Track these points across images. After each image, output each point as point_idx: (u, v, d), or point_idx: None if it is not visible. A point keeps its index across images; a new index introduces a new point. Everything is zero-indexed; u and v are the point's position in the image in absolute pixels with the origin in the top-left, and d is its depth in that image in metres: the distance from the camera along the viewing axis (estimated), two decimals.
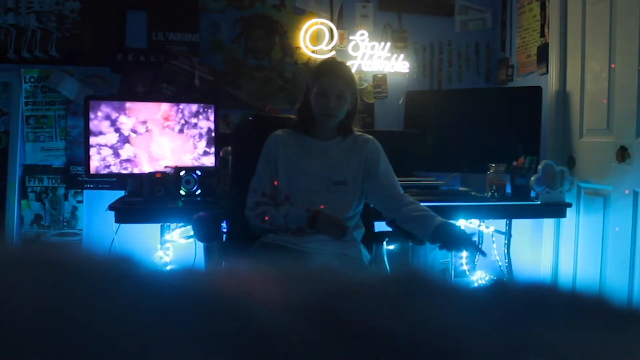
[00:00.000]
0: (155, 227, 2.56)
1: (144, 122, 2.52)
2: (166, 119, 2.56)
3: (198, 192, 2.30)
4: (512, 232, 2.65)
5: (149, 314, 0.19)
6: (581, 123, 2.58)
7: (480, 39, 3.20)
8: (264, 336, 0.18)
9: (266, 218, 1.78)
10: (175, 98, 2.78)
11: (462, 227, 1.70)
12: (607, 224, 2.39)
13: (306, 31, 2.98)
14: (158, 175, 2.28)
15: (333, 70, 1.82)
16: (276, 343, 0.18)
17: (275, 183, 1.85)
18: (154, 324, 0.18)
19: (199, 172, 2.32)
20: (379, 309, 0.20)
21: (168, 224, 2.47)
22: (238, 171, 2.01)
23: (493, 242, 2.83)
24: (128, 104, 2.51)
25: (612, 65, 2.36)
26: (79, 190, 2.80)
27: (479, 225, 2.76)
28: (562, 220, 2.59)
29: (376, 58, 3.04)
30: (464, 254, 2.75)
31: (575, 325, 0.21)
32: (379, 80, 3.09)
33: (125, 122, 2.49)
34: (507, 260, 2.66)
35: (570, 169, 2.58)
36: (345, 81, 1.81)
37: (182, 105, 2.58)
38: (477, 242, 1.74)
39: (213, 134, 2.61)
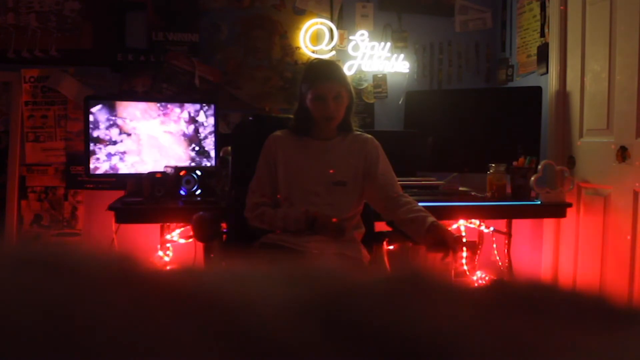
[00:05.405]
0: (155, 227, 2.56)
1: (144, 122, 2.52)
2: (166, 119, 2.56)
3: (198, 192, 2.30)
4: (512, 232, 2.65)
5: (148, 314, 0.19)
6: (581, 123, 2.58)
7: (480, 39, 3.20)
8: (264, 336, 0.18)
9: (276, 221, 1.76)
10: (175, 98, 2.78)
11: (452, 229, 1.69)
12: (607, 224, 2.39)
13: (306, 31, 2.99)
14: (158, 175, 2.28)
15: (326, 73, 1.81)
16: (276, 343, 0.18)
17: (279, 196, 1.85)
18: (153, 324, 0.18)
19: (199, 172, 2.32)
20: (379, 309, 0.20)
21: (168, 224, 2.47)
22: (238, 171, 2.01)
23: (493, 242, 2.83)
24: (128, 104, 2.51)
25: (614, 69, 2.36)
26: (79, 190, 2.80)
27: (479, 225, 2.76)
28: (562, 220, 2.59)
29: (376, 58, 3.04)
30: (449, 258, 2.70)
31: (575, 325, 0.21)
32: (379, 80, 3.09)
33: (125, 122, 2.49)
34: (507, 260, 2.66)
35: (570, 169, 2.58)
36: (339, 81, 1.81)
37: (182, 105, 2.58)
38: (462, 243, 1.73)
39: (213, 134, 2.61)
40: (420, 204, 1.81)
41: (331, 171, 1.83)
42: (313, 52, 2.98)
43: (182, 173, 2.30)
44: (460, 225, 2.79)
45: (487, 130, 2.75)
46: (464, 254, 2.88)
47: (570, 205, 2.43)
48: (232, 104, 2.92)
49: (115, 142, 2.48)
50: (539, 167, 2.36)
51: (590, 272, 2.49)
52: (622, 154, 2.29)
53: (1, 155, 2.73)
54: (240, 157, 2.03)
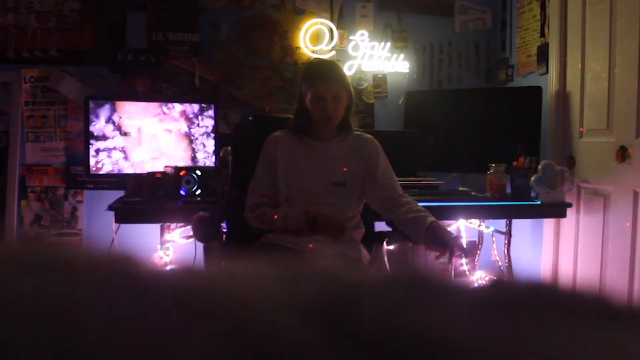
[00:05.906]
0: (155, 227, 2.56)
1: (144, 122, 2.52)
2: (166, 118, 2.56)
3: (198, 192, 2.30)
4: (512, 232, 2.65)
5: (148, 314, 0.19)
6: (581, 123, 2.58)
7: (480, 39, 3.20)
8: (263, 337, 0.18)
9: (275, 217, 1.77)
10: (175, 98, 2.78)
11: (452, 229, 1.70)
12: (607, 224, 2.39)
13: (306, 31, 2.99)
14: (158, 175, 2.28)
15: (325, 74, 1.80)
16: (275, 344, 0.18)
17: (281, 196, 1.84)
18: (153, 324, 0.18)
19: (199, 172, 2.32)
20: (379, 309, 0.20)
21: (168, 224, 2.47)
22: (238, 171, 2.01)
23: (493, 242, 2.83)
24: (128, 104, 2.51)
25: (614, 69, 2.36)
26: (79, 190, 2.80)
27: (479, 225, 2.75)
28: (562, 220, 2.59)
29: (376, 58, 3.04)
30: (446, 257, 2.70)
31: (575, 325, 0.21)
32: (379, 80, 3.09)
33: (125, 122, 2.49)
34: (507, 260, 2.66)
35: (570, 169, 2.58)
36: (338, 81, 1.80)
37: (182, 105, 2.58)
38: (460, 245, 1.73)
39: (213, 134, 2.61)
40: (420, 204, 1.81)
41: (345, 169, 1.83)
42: (313, 52, 2.98)
43: (182, 173, 2.30)
44: (460, 225, 2.79)
45: (487, 130, 2.75)
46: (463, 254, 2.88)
47: (570, 205, 2.43)
48: (232, 104, 2.92)
49: (115, 142, 2.48)
50: (539, 167, 2.36)
51: (590, 272, 2.49)
52: (622, 154, 2.29)
53: (1, 155, 2.73)
54: (240, 157, 2.03)
